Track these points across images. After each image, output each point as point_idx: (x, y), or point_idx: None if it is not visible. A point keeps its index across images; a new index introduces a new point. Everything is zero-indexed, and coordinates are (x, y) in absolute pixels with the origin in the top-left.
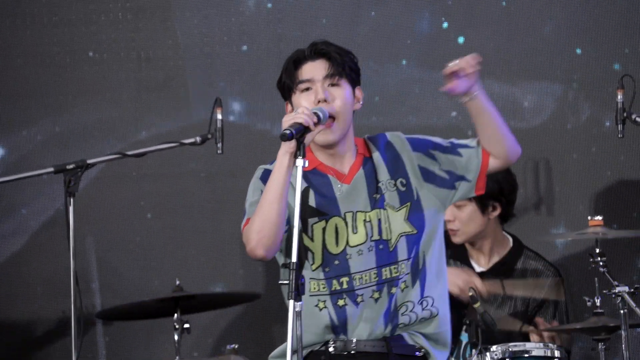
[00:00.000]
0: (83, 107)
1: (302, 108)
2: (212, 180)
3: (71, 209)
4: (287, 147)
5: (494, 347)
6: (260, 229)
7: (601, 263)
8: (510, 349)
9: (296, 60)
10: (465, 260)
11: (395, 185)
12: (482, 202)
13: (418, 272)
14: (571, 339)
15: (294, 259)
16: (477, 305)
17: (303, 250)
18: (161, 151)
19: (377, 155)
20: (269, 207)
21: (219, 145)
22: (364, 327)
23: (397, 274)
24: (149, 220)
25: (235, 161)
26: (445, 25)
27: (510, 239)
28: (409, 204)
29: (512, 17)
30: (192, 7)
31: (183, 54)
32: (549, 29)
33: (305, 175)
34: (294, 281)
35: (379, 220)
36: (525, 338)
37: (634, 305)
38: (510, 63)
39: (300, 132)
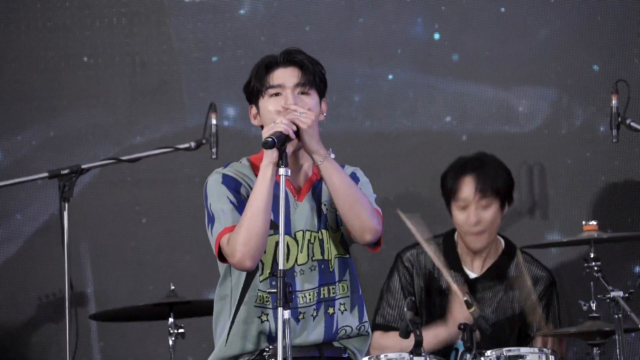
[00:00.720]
0: (78, 112)
1: (280, 118)
2: None
3: (66, 214)
4: (270, 157)
5: (488, 352)
6: (246, 241)
7: (595, 268)
8: (505, 354)
9: (268, 65)
10: (458, 268)
11: (334, 206)
12: (504, 198)
13: (357, 297)
14: (566, 347)
15: (280, 266)
16: (472, 309)
17: None
18: (156, 156)
19: None
20: (255, 218)
21: (214, 150)
22: (301, 340)
23: (334, 294)
24: (144, 225)
25: None
26: (438, 31)
27: (502, 241)
28: (343, 227)
29: (506, 22)
30: (186, 12)
31: (178, 59)
32: (543, 34)
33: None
34: (281, 289)
35: (321, 240)
36: (520, 342)
37: (629, 310)
38: (505, 68)
39: (281, 141)
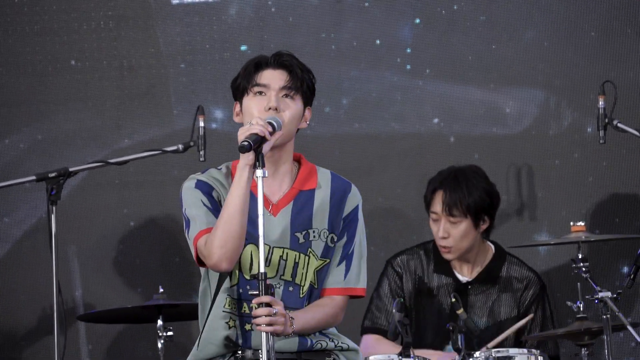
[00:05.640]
0: (66, 116)
1: (255, 119)
2: None
3: (53, 217)
4: (246, 159)
5: (477, 353)
6: (223, 243)
7: (584, 268)
8: (494, 355)
9: (257, 64)
10: (450, 273)
11: (327, 237)
12: (476, 216)
13: None
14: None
15: (261, 269)
16: (460, 311)
17: None
18: (144, 159)
19: (323, 197)
20: (232, 221)
21: (202, 152)
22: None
23: None
24: (132, 228)
25: None
26: (425, 34)
27: (492, 247)
28: (328, 260)
29: (493, 24)
30: (174, 15)
31: (165, 62)
32: (530, 35)
33: None
34: (263, 292)
35: (296, 263)
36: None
37: (617, 310)
38: (492, 69)
39: (257, 143)
